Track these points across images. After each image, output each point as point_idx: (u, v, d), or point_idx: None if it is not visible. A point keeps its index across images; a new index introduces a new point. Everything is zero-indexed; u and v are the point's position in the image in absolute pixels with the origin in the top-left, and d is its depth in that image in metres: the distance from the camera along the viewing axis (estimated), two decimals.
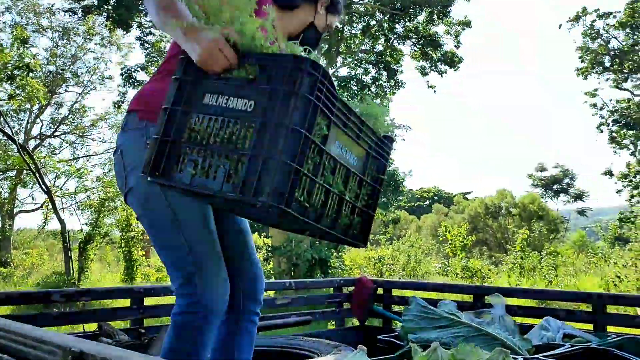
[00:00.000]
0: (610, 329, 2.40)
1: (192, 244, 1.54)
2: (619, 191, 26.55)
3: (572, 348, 1.92)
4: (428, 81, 15.36)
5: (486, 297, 2.70)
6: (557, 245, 23.51)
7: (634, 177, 25.18)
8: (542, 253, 15.11)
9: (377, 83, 15.30)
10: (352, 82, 15.27)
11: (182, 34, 1.33)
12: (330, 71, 15.54)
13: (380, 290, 3.23)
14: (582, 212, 45.34)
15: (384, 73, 15.14)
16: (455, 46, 14.86)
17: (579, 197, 43.98)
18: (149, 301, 2.43)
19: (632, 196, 25.29)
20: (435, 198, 44.30)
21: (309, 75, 1.24)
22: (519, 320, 2.52)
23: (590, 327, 2.46)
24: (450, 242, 16.06)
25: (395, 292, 3.33)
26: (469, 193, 42.51)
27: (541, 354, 1.81)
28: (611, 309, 2.47)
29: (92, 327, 2.26)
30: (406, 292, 3.25)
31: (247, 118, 1.27)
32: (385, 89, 15.35)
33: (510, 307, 2.60)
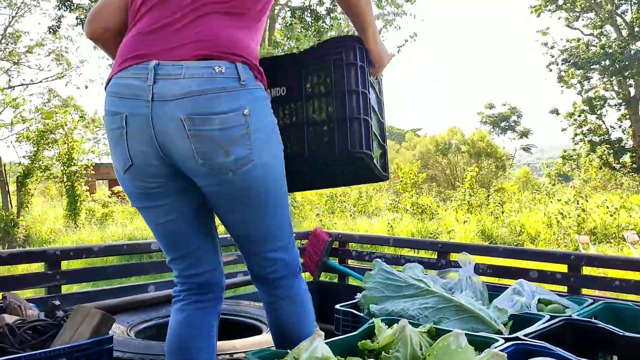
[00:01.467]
0: (584, 291, 2.23)
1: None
2: (563, 129, 27.23)
3: (553, 321, 1.71)
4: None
5: (454, 255, 2.48)
6: (503, 181, 24.10)
7: (579, 116, 25.79)
8: (489, 190, 15.37)
9: (331, 15, 14.65)
10: (306, 13, 14.56)
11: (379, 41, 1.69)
12: (283, 0, 14.77)
13: (336, 244, 2.97)
14: (527, 149, 46.70)
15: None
16: None
17: (524, 134, 45.13)
18: (66, 265, 2.08)
19: (576, 134, 25.99)
20: (387, 134, 44.42)
21: None
22: (488, 280, 2.32)
23: (564, 289, 2.29)
24: (401, 179, 16.10)
25: (353, 246, 3.08)
26: (420, 129, 42.80)
27: (522, 332, 1.58)
28: (586, 271, 2.29)
29: None
30: (365, 247, 3.01)
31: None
32: (340, 21, 14.73)
33: (479, 265, 2.39)
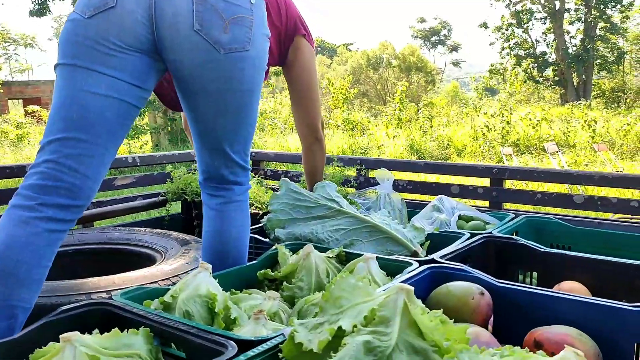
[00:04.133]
0: (506, 205, 2.13)
1: None
2: (491, 44, 27.56)
3: (472, 239, 1.58)
4: None
5: (372, 172, 2.31)
6: (433, 96, 24.35)
7: (506, 29, 26.06)
8: (419, 104, 15.46)
9: None
10: None
11: None
12: None
13: (250, 163, 2.73)
14: (456, 64, 47.27)
15: None
16: None
17: (454, 48, 45.47)
18: None
19: (503, 48, 26.36)
20: (319, 49, 43.65)
21: None
22: (409, 197, 2.18)
23: (486, 204, 2.18)
24: (333, 95, 15.87)
25: (268, 165, 2.86)
26: (352, 44, 42.13)
27: (439, 253, 1.44)
28: (509, 184, 2.18)
29: None
30: (279, 165, 2.79)
31: None
32: None
33: (398, 181, 2.24)
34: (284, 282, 1.37)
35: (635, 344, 1.12)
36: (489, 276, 1.30)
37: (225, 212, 1.48)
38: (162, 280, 1.42)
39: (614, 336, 1.13)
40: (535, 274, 1.61)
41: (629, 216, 2.02)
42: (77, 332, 0.92)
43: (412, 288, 0.89)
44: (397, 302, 0.85)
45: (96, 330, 0.99)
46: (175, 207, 2.39)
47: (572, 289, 1.40)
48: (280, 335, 0.96)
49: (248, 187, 1.55)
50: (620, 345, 1.12)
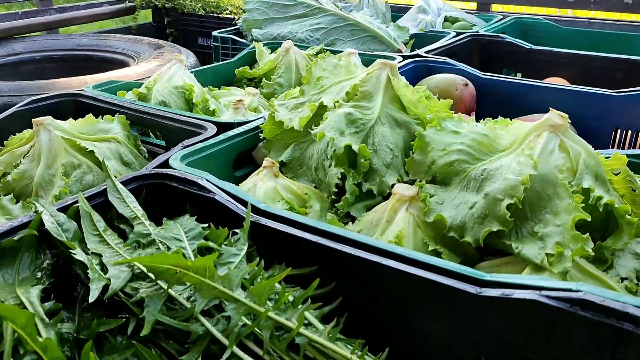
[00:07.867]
0: (494, 7, 2.03)
1: None
2: None
3: (458, 37, 1.53)
4: None
5: None
6: None
7: None
8: None
9: None
10: None
11: None
12: None
13: None
14: None
15: None
16: None
17: None
18: None
19: None
20: None
21: None
22: (392, 0, 2.06)
23: (474, 6, 2.07)
24: None
25: None
26: None
27: (423, 49, 1.39)
28: None
29: None
30: None
31: None
32: None
33: None
34: (263, 80, 1.33)
35: (614, 129, 1.14)
36: (474, 69, 1.27)
37: None
38: (136, 80, 1.37)
39: (596, 122, 1.13)
40: (519, 75, 1.58)
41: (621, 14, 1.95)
42: (50, 117, 0.89)
43: (396, 63, 0.85)
44: (380, 77, 0.82)
45: (70, 119, 0.96)
46: (146, 15, 2.24)
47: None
48: (261, 118, 0.94)
49: None
50: (601, 131, 1.14)
